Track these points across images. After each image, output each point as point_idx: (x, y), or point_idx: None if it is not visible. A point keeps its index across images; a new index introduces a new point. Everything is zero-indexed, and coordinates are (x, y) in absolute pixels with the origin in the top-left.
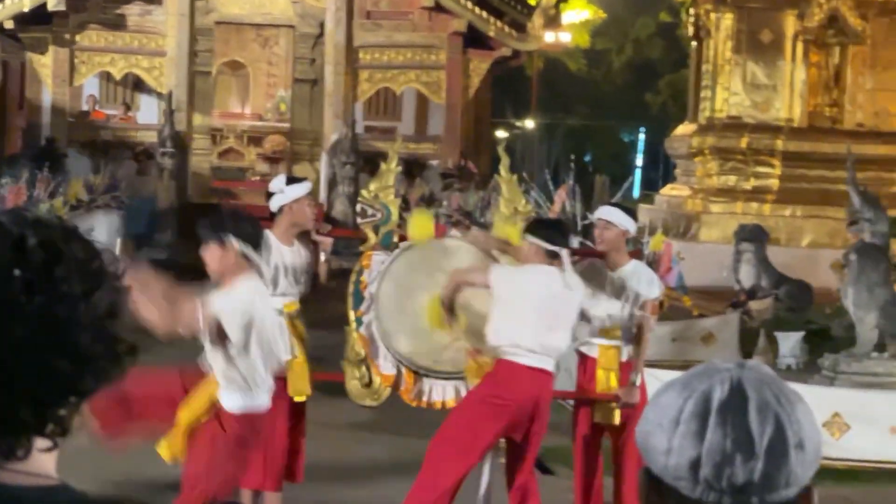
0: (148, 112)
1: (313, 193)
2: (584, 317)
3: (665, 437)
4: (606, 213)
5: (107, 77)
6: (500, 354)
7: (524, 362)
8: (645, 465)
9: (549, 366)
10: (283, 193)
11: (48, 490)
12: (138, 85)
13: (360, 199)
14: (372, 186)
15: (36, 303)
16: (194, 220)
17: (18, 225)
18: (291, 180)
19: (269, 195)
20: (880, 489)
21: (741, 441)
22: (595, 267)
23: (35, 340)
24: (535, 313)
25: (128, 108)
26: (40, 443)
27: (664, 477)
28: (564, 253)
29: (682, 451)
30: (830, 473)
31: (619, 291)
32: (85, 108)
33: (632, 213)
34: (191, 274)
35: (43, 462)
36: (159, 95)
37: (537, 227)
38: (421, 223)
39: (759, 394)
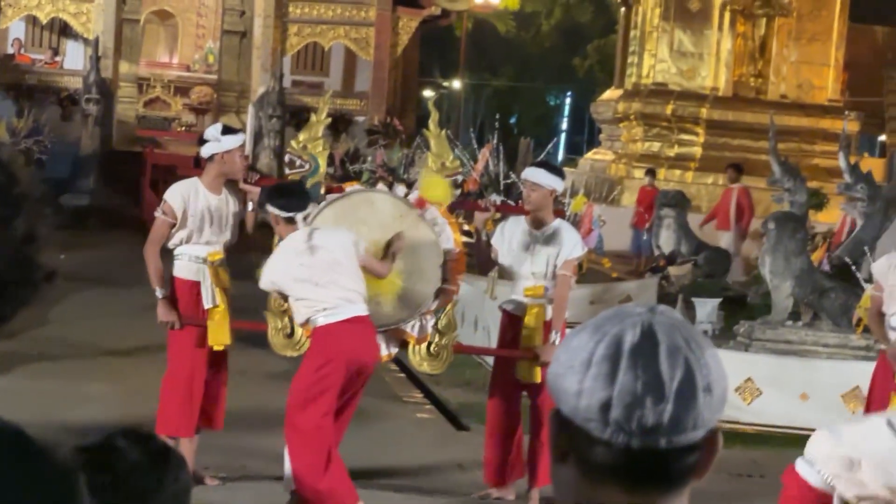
0: (74, 58)
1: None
2: (505, 275)
3: (576, 378)
4: (533, 174)
5: (33, 21)
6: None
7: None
8: (555, 406)
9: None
10: (219, 142)
11: None
12: (65, 30)
13: (288, 150)
14: (301, 137)
15: None
16: (117, 167)
17: None
18: (227, 130)
19: (203, 142)
20: (789, 454)
21: (651, 384)
22: (520, 224)
23: None
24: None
25: (54, 53)
26: None
27: (574, 418)
28: (299, 217)
29: (592, 392)
30: (741, 437)
31: (542, 249)
32: (10, 51)
33: (559, 170)
34: (110, 219)
35: None
36: (86, 41)
37: (271, 194)
38: (436, 185)
39: (670, 338)
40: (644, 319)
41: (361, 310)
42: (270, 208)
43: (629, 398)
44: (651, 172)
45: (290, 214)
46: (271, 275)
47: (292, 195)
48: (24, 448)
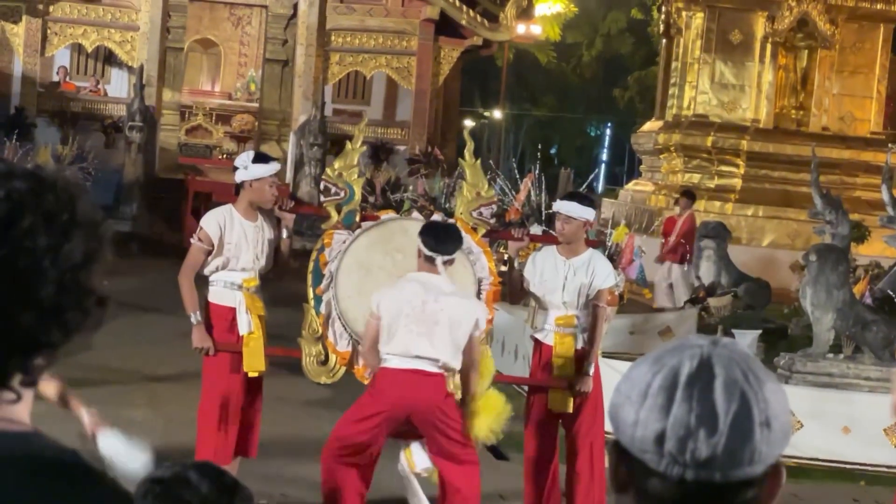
0: (118, 86)
1: (280, 174)
2: (539, 304)
3: (633, 409)
4: (565, 206)
5: (78, 49)
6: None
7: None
8: (614, 437)
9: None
10: (247, 170)
11: (21, 436)
12: (109, 58)
13: (323, 177)
14: (336, 165)
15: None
16: (159, 194)
17: None
18: (258, 158)
19: (235, 168)
20: (829, 487)
21: (705, 416)
22: (551, 254)
23: (1, 293)
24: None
25: (98, 80)
26: (6, 394)
27: (631, 449)
28: (439, 260)
29: (647, 423)
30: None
31: (574, 279)
32: (55, 79)
33: (590, 201)
34: (151, 245)
35: (17, 410)
36: (130, 69)
37: (423, 230)
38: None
39: (727, 370)
40: (703, 351)
41: (419, 366)
42: (418, 239)
43: (682, 430)
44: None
45: (431, 254)
46: (383, 299)
47: (440, 236)
48: (83, 472)
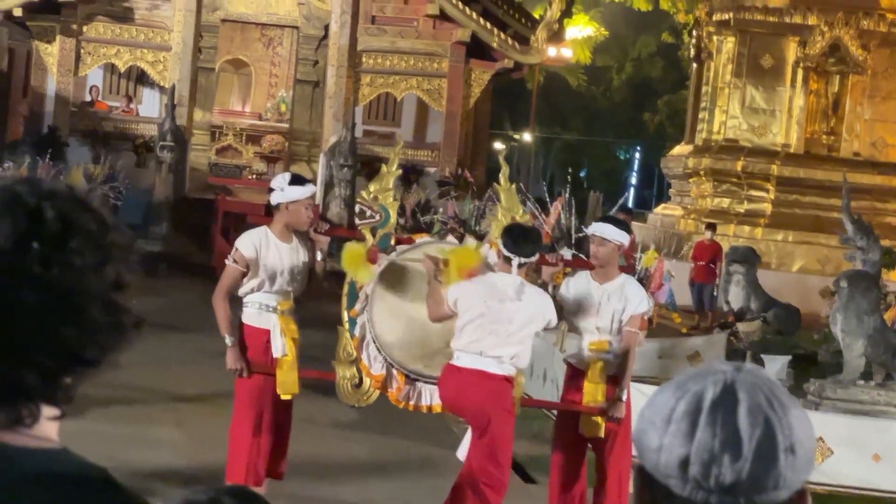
0: (149, 105)
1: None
2: (572, 329)
3: (657, 434)
4: (600, 229)
5: (111, 69)
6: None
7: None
8: (639, 462)
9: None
10: (283, 192)
11: (51, 453)
12: (141, 78)
13: (358, 200)
14: (371, 188)
15: (50, 275)
16: (189, 214)
17: (35, 195)
18: (295, 180)
19: (271, 190)
20: None
21: (729, 441)
22: (585, 279)
23: (46, 310)
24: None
25: (130, 100)
26: (47, 411)
27: (655, 474)
28: (515, 261)
29: (672, 449)
30: (812, 498)
31: (608, 305)
32: (88, 98)
33: (625, 225)
34: (181, 265)
35: (46, 427)
36: (161, 89)
37: (505, 231)
38: (465, 256)
39: (751, 396)
40: (727, 377)
41: (483, 365)
42: (499, 240)
43: (706, 455)
44: (712, 227)
45: (508, 255)
46: (460, 293)
47: (520, 239)
48: (111, 490)
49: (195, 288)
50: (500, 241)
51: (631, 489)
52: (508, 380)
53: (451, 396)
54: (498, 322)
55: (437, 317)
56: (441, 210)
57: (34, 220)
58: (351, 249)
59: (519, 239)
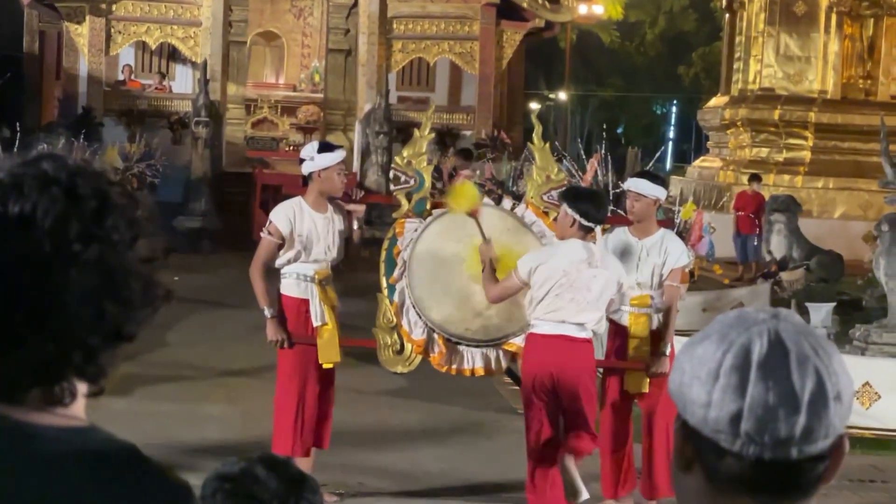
0: (183, 82)
1: (346, 163)
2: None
3: (704, 389)
4: (636, 184)
5: (142, 47)
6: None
7: (540, 332)
8: (681, 416)
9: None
10: (313, 161)
11: (79, 431)
12: (173, 55)
13: (393, 166)
14: (405, 153)
15: (92, 251)
16: (228, 189)
17: (65, 172)
18: (324, 147)
19: (302, 161)
20: None
21: (784, 395)
22: (624, 235)
23: (90, 288)
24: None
25: (163, 77)
26: (81, 388)
27: (702, 429)
28: (598, 228)
29: (722, 404)
30: (860, 442)
31: (647, 259)
32: (121, 77)
33: (661, 179)
34: (222, 241)
35: (74, 405)
36: (194, 65)
37: (576, 198)
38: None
39: (799, 346)
40: (770, 327)
41: (565, 331)
42: (569, 209)
43: (761, 411)
44: (756, 178)
45: (589, 224)
46: (534, 263)
47: (599, 206)
48: (140, 466)
49: (238, 263)
50: (573, 210)
51: None
52: (590, 342)
53: (535, 363)
54: (577, 290)
55: (500, 295)
56: (478, 172)
57: (71, 198)
58: (465, 186)
59: (599, 206)
